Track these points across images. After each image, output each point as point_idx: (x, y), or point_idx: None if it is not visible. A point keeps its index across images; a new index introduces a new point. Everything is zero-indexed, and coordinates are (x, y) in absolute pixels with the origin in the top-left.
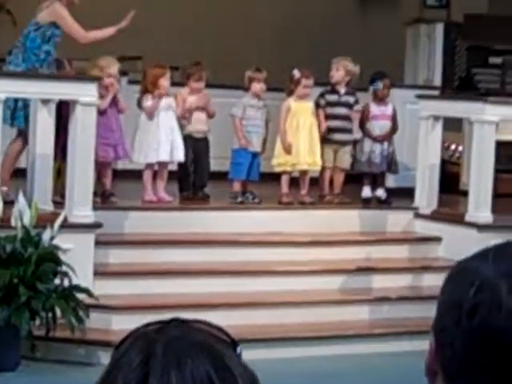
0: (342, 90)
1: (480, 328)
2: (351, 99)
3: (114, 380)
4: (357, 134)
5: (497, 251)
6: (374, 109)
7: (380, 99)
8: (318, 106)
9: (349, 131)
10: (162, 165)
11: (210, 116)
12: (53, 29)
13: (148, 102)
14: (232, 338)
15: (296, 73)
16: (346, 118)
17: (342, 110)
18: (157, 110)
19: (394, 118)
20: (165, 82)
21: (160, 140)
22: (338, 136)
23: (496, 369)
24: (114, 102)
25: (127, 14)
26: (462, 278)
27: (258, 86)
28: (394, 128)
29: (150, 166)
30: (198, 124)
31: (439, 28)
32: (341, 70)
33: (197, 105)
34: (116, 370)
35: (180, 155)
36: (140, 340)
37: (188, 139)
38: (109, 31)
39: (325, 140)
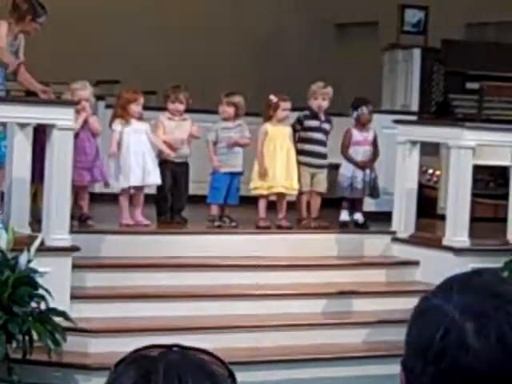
0: (323, 116)
1: (448, 371)
2: (328, 126)
3: None
4: (335, 159)
5: (460, 285)
6: (356, 134)
7: (362, 125)
8: (294, 130)
9: (324, 156)
10: (137, 189)
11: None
12: None
13: (116, 126)
14: (230, 369)
15: (273, 98)
16: (323, 143)
17: (320, 136)
18: (127, 135)
19: (375, 144)
20: (136, 107)
21: (131, 165)
22: (315, 160)
23: None
24: (87, 125)
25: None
26: (428, 320)
27: (221, 109)
28: (375, 154)
29: (125, 190)
30: (180, 145)
31: (416, 53)
32: (326, 99)
33: (181, 137)
34: None
35: (153, 179)
36: (140, 360)
37: (167, 163)
38: (36, 87)
39: (302, 164)
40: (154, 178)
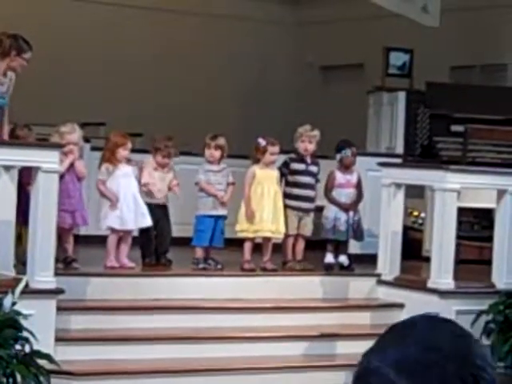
0: (309, 159)
1: None
2: (315, 168)
3: None
4: (319, 201)
5: (396, 336)
6: (340, 177)
7: (346, 167)
8: (281, 174)
9: (312, 200)
10: (127, 231)
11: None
12: None
13: (102, 175)
14: None
15: (261, 141)
16: (310, 186)
17: (307, 179)
18: (116, 179)
19: (359, 186)
20: (124, 151)
21: (122, 208)
22: (302, 204)
23: None
24: (73, 168)
25: None
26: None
27: (208, 152)
28: (359, 196)
29: (115, 231)
30: (159, 194)
31: (401, 96)
32: (313, 143)
33: (162, 186)
34: None
35: (146, 222)
36: None
37: (146, 205)
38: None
39: (290, 208)
40: (147, 221)
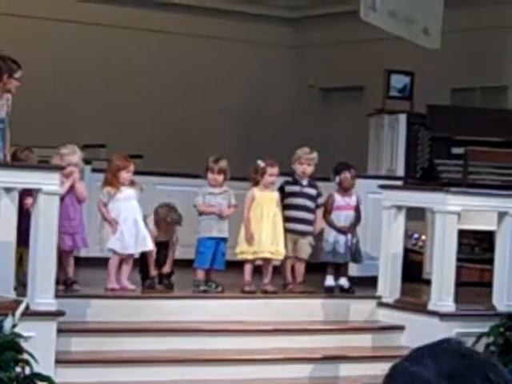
0: (305, 181)
1: None
2: (313, 191)
3: None
4: (318, 226)
5: (431, 350)
6: (339, 199)
7: (345, 190)
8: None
9: (309, 222)
10: (128, 255)
11: None
12: None
13: (104, 197)
14: None
15: (260, 163)
16: (307, 209)
17: (303, 201)
18: (117, 202)
19: (357, 209)
20: (126, 174)
21: (123, 232)
22: (298, 226)
23: None
24: (73, 190)
25: None
26: None
27: (212, 177)
28: (357, 218)
29: (116, 253)
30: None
31: (402, 119)
32: (311, 165)
33: None
34: None
35: (146, 245)
36: None
37: None
38: None
39: (285, 230)
40: (148, 245)
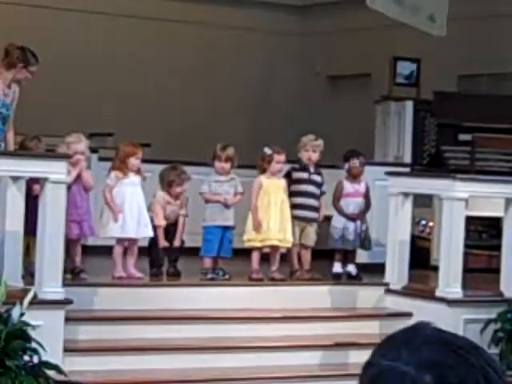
0: (312, 168)
1: None
2: (318, 178)
3: None
4: (322, 213)
5: (405, 341)
6: (348, 186)
7: (354, 177)
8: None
9: (315, 209)
10: (131, 241)
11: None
12: None
13: (111, 180)
14: None
15: (267, 150)
16: (314, 195)
17: (310, 188)
18: (124, 187)
19: (367, 196)
20: (134, 160)
21: (125, 217)
22: (306, 213)
23: None
24: (80, 178)
25: None
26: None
27: (219, 165)
28: (367, 205)
29: (119, 241)
30: (172, 214)
31: (409, 105)
32: (317, 152)
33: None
34: None
35: (146, 232)
36: None
37: None
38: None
39: (292, 217)
40: (148, 231)
